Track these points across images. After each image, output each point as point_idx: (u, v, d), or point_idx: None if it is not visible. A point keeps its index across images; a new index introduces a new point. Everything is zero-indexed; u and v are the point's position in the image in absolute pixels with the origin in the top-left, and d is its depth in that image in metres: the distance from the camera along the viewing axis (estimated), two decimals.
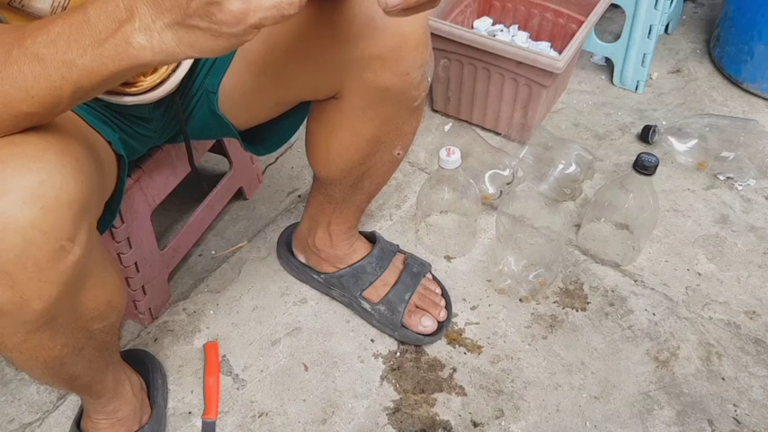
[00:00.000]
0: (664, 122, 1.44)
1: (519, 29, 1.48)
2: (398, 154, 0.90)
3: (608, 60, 1.58)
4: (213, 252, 1.20)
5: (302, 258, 1.12)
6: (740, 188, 1.30)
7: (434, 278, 1.12)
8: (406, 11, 0.49)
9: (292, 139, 1.40)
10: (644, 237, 1.15)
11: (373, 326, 1.07)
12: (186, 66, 0.78)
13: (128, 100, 0.74)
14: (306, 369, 1.03)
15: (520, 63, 1.25)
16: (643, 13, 1.41)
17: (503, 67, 1.29)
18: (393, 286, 1.05)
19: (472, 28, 1.47)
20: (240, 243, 1.21)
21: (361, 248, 1.08)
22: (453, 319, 1.08)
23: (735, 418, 0.96)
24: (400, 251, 1.12)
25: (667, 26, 1.68)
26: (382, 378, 1.02)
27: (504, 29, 1.48)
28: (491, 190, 1.23)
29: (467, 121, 1.45)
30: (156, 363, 1.01)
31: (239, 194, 1.27)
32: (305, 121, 0.91)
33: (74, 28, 0.48)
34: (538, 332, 1.07)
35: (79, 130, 0.68)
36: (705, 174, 1.33)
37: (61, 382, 0.74)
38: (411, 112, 0.84)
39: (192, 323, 1.09)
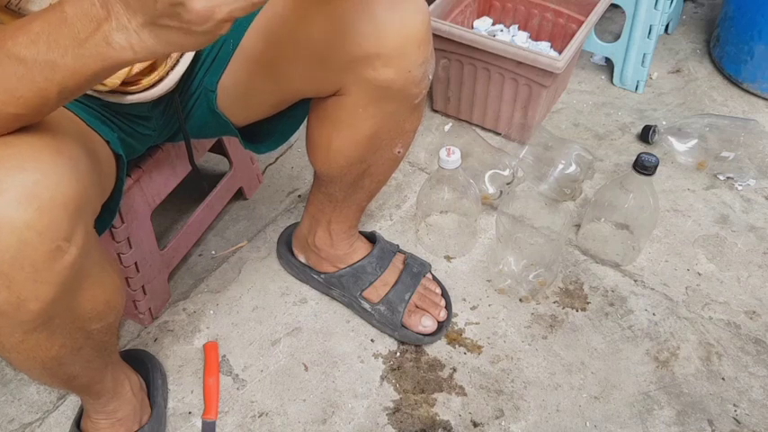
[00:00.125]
0: (664, 122, 1.44)
1: (519, 29, 1.48)
2: (399, 152, 0.90)
3: (608, 60, 1.58)
4: (213, 252, 1.20)
5: (302, 258, 1.12)
6: (740, 188, 1.30)
7: (434, 278, 1.12)
8: None
9: (292, 139, 1.40)
10: (644, 237, 1.15)
11: (373, 326, 1.07)
12: (185, 63, 0.78)
13: (128, 99, 0.74)
14: (306, 369, 1.03)
15: (520, 63, 1.25)
16: (643, 13, 1.41)
17: (503, 67, 1.29)
18: (393, 286, 1.05)
19: (472, 28, 1.47)
20: (240, 243, 1.21)
21: (362, 248, 1.08)
22: (453, 319, 1.08)
23: (735, 418, 0.96)
24: (400, 251, 1.12)
25: (667, 26, 1.68)
26: (382, 378, 1.01)
27: (504, 29, 1.48)
28: (491, 190, 1.23)
29: (467, 121, 1.45)
30: (156, 363, 1.01)
31: (239, 194, 1.27)
32: (305, 120, 0.91)
33: (53, 27, 0.48)
34: (538, 332, 1.07)
35: (76, 130, 0.67)
36: (705, 174, 1.33)
37: (60, 382, 0.74)
38: (412, 110, 0.84)
39: (192, 323, 1.09)
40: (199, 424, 0.97)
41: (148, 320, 1.08)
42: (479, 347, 1.05)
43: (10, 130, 0.53)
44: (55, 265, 0.55)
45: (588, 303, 1.11)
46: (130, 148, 0.85)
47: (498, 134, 1.42)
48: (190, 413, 0.98)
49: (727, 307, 1.10)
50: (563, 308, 1.10)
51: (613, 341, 1.06)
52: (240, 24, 0.79)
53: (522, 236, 1.10)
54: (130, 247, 0.97)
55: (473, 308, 1.10)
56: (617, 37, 1.50)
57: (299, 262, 1.12)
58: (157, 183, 0.99)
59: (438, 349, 1.05)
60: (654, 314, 1.09)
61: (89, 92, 0.72)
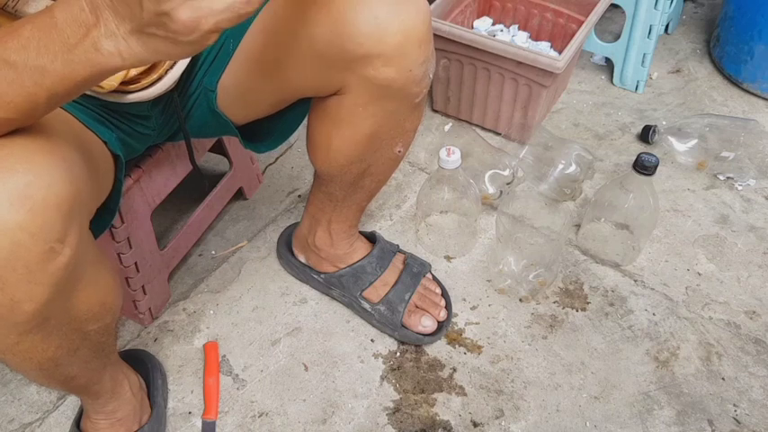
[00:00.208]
0: (664, 122, 1.44)
1: (519, 29, 1.48)
2: (399, 152, 0.90)
3: (608, 60, 1.58)
4: (213, 252, 1.20)
5: (302, 258, 1.12)
6: (740, 188, 1.30)
7: (434, 278, 1.12)
8: None
9: (292, 139, 1.40)
10: (644, 237, 1.15)
11: (373, 326, 1.07)
12: (184, 62, 0.78)
13: (127, 98, 0.74)
14: (306, 369, 1.03)
15: (520, 63, 1.25)
16: (643, 13, 1.41)
17: (503, 67, 1.29)
18: (393, 286, 1.05)
19: (472, 28, 1.47)
20: (240, 243, 1.21)
21: (362, 248, 1.08)
22: (453, 319, 1.08)
23: (735, 418, 0.96)
24: (400, 251, 1.12)
25: (667, 26, 1.68)
26: (382, 378, 1.01)
27: (504, 29, 1.48)
28: (491, 190, 1.23)
29: (467, 121, 1.45)
30: (156, 363, 1.01)
31: (239, 194, 1.27)
32: (305, 120, 0.91)
33: (43, 33, 0.48)
34: (538, 332, 1.07)
35: (71, 131, 0.67)
36: (705, 174, 1.33)
37: (57, 383, 0.74)
38: (412, 109, 0.84)
39: (192, 323, 1.09)
40: (199, 424, 0.97)
41: (148, 320, 1.08)
42: (479, 347, 1.05)
43: (1, 134, 0.53)
44: (48, 267, 0.55)
45: (588, 303, 1.11)
46: (130, 148, 0.85)
47: (498, 134, 1.42)
48: (190, 413, 0.98)
49: (727, 307, 1.10)
50: (563, 308, 1.10)
51: (613, 341, 1.06)
52: (240, 24, 0.78)
53: (522, 236, 1.10)
54: (130, 247, 0.97)
55: (473, 308, 1.10)
56: (617, 37, 1.50)
57: (299, 262, 1.12)
58: (157, 183, 0.99)
59: (438, 349, 1.05)
60: (654, 314, 1.09)
61: (87, 92, 0.72)
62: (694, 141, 1.32)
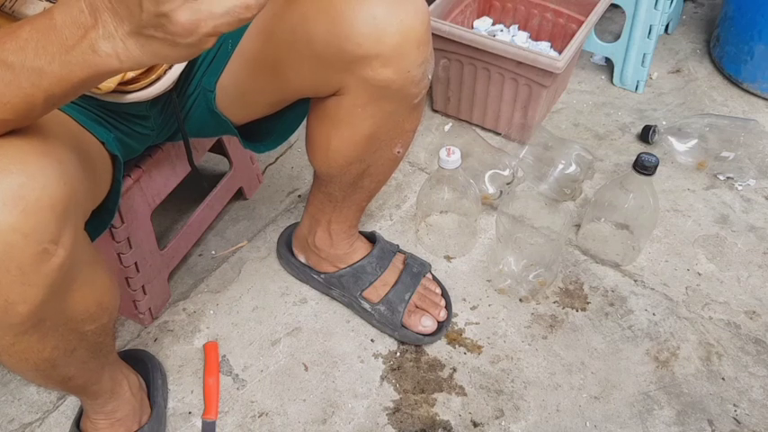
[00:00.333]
0: (664, 122, 1.44)
1: (519, 29, 1.48)
2: (398, 152, 0.90)
3: (608, 60, 1.58)
4: (213, 252, 1.20)
5: (302, 258, 1.12)
6: (740, 188, 1.30)
7: (434, 278, 1.12)
8: None
9: (292, 139, 1.40)
10: (644, 237, 1.15)
11: (373, 326, 1.07)
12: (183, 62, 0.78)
13: (126, 98, 0.74)
14: (306, 369, 1.03)
15: (520, 63, 1.25)
16: (643, 13, 1.41)
17: (503, 67, 1.29)
18: (393, 286, 1.05)
19: (472, 28, 1.47)
20: (240, 243, 1.21)
21: (362, 248, 1.08)
22: (453, 319, 1.08)
23: (735, 418, 0.96)
24: (400, 251, 1.12)
25: (667, 26, 1.68)
26: (382, 378, 1.01)
27: (504, 29, 1.48)
28: (491, 190, 1.23)
29: (467, 121, 1.45)
30: (156, 362, 1.01)
31: (239, 194, 1.27)
32: (305, 120, 0.91)
33: (41, 34, 0.48)
34: (538, 332, 1.07)
35: (67, 132, 0.67)
36: (705, 174, 1.33)
37: (54, 383, 0.74)
38: (411, 110, 0.84)
39: (192, 323, 1.09)
40: (199, 424, 0.97)
41: (148, 320, 1.08)
42: (479, 347, 1.05)
43: None
44: (42, 268, 0.55)
45: (588, 303, 1.11)
46: (129, 148, 0.85)
47: (498, 134, 1.42)
48: (190, 413, 0.98)
49: (727, 307, 1.10)
50: (563, 308, 1.10)
51: (613, 341, 1.06)
52: None
53: (522, 236, 1.10)
54: (130, 247, 0.97)
55: (473, 308, 1.10)
56: (617, 37, 1.50)
57: (299, 262, 1.12)
58: (157, 183, 0.99)
59: (438, 349, 1.05)
60: (654, 314, 1.09)
61: (87, 92, 0.72)
62: (694, 141, 1.32)
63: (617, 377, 1.01)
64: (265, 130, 0.93)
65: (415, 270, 1.08)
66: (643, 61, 1.48)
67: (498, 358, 1.04)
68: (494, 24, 1.49)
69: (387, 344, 1.06)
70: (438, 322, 1.05)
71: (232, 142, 1.17)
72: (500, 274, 1.11)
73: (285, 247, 1.15)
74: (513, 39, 1.44)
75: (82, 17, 0.46)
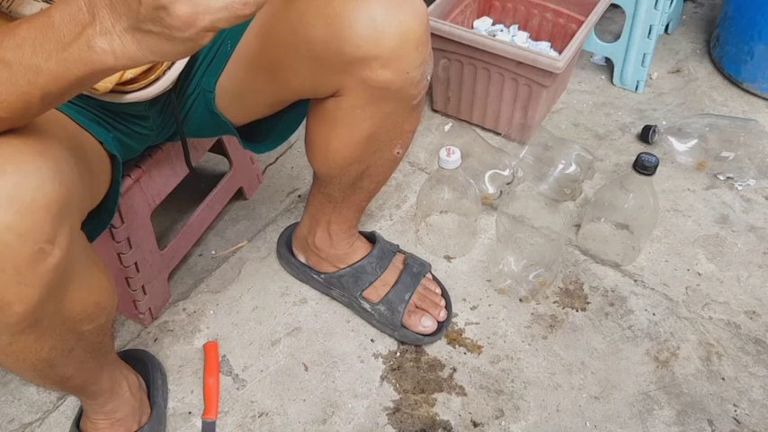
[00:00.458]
0: (664, 122, 1.44)
1: (519, 29, 1.48)
2: (398, 153, 0.90)
3: (608, 60, 1.58)
4: (213, 252, 1.20)
5: (302, 258, 1.12)
6: (740, 188, 1.30)
7: (434, 278, 1.12)
8: None
9: (292, 139, 1.40)
10: (644, 237, 1.15)
11: (373, 326, 1.07)
12: (182, 61, 0.78)
13: (125, 98, 0.74)
14: (306, 369, 1.03)
15: (520, 63, 1.25)
16: (643, 13, 1.41)
17: (503, 67, 1.29)
18: (393, 286, 1.05)
19: (472, 28, 1.47)
20: (240, 243, 1.21)
21: (361, 248, 1.08)
22: (453, 319, 1.08)
23: (735, 418, 0.96)
24: (400, 251, 1.12)
25: (667, 26, 1.68)
26: (382, 378, 1.02)
27: (504, 29, 1.48)
28: (491, 190, 1.23)
29: (467, 121, 1.45)
30: (156, 362, 1.01)
31: (239, 194, 1.27)
32: (305, 120, 0.91)
33: (39, 32, 0.48)
34: (538, 332, 1.07)
35: (64, 131, 0.67)
36: (705, 174, 1.33)
37: (53, 383, 0.74)
38: (410, 111, 0.84)
39: (192, 323, 1.09)
40: (199, 424, 0.97)
41: (148, 320, 1.08)
42: (479, 347, 1.05)
43: None
44: (38, 268, 0.55)
45: (588, 303, 1.11)
46: (128, 149, 0.85)
47: (498, 134, 1.42)
48: (190, 413, 0.98)
49: (727, 307, 1.10)
50: (563, 308, 1.10)
51: (613, 341, 1.06)
52: (238, 25, 0.78)
53: (522, 236, 1.10)
54: (130, 247, 0.97)
55: (473, 308, 1.10)
56: (617, 37, 1.50)
57: (299, 262, 1.12)
58: (157, 183, 0.99)
59: (438, 349, 1.05)
60: (654, 314, 1.09)
61: (85, 92, 0.72)
62: (694, 141, 1.32)
63: (617, 377, 1.01)
64: (265, 131, 0.93)
65: (415, 270, 1.08)
66: (643, 61, 1.48)
67: (498, 358, 1.04)
68: (494, 24, 1.49)
69: (387, 344, 1.06)
70: (438, 322, 1.05)
71: (232, 142, 1.17)
72: (500, 274, 1.11)
73: (285, 247, 1.15)
74: (513, 39, 1.44)
75: (80, 14, 0.46)
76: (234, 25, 0.45)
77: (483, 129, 1.43)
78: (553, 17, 1.44)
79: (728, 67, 1.55)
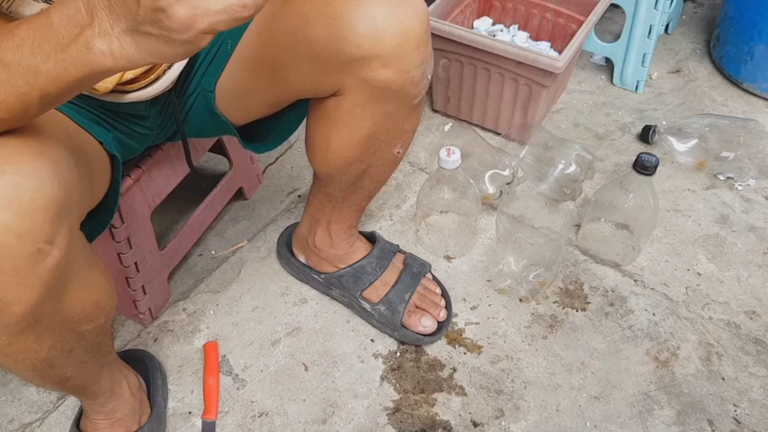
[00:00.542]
0: (664, 122, 1.44)
1: (519, 29, 1.48)
2: (398, 152, 0.90)
3: (608, 60, 1.58)
4: (213, 252, 1.20)
5: (302, 258, 1.12)
6: (740, 188, 1.30)
7: (434, 278, 1.12)
8: None
9: (292, 139, 1.40)
10: (644, 237, 1.15)
11: (373, 326, 1.07)
12: (182, 62, 0.78)
13: (126, 98, 0.74)
14: (306, 369, 1.03)
15: (520, 63, 1.25)
16: (643, 13, 1.41)
17: (503, 67, 1.29)
18: (393, 286, 1.05)
19: (472, 28, 1.47)
20: (240, 243, 1.21)
21: (361, 248, 1.08)
22: (453, 319, 1.08)
23: (735, 418, 0.96)
24: (400, 251, 1.12)
25: (667, 26, 1.68)
26: (382, 378, 1.02)
27: (504, 29, 1.48)
28: (491, 190, 1.23)
29: (467, 121, 1.45)
30: (156, 362, 1.01)
31: (239, 194, 1.27)
32: (305, 120, 0.91)
33: (38, 33, 0.48)
34: (538, 332, 1.07)
35: (64, 132, 0.67)
36: (705, 174, 1.33)
37: (53, 383, 0.74)
38: (411, 110, 0.84)
39: (192, 323, 1.09)
40: (199, 424, 0.97)
41: (148, 320, 1.08)
42: (479, 347, 1.05)
43: None
44: (37, 268, 0.55)
45: (588, 303, 1.11)
46: (128, 148, 0.85)
47: (498, 134, 1.42)
48: (190, 413, 0.98)
49: (727, 307, 1.10)
50: (563, 308, 1.10)
51: (613, 341, 1.06)
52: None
53: (522, 236, 1.10)
54: (130, 247, 0.97)
55: (473, 308, 1.10)
56: (617, 37, 1.50)
57: (299, 262, 1.12)
58: (157, 183, 0.99)
59: (438, 349, 1.05)
60: (654, 314, 1.09)
61: (85, 92, 0.72)
62: (694, 141, 1.32)
63: (617, 377, 1.01)
64: (265, 131, 0.93)
65: (415, 270, 1.08)
66: (643, 61, 1.48)
67: (498, 358, 1.04)
68: (494, 24, 1.49)
69: (387, 344, 1.06)
70: (438, 322, 1.05)
71: (232, 142, 1.17)
72: (500, 274, 1.11)
73: (285, 247, 1.15)
74: (513, 39, 1.44)
75: (78, 16, 0.46)
76: (232, 28, 0.45)
77: (483, 129, 1.43)
78: (553, 17, 1.44)
79: (728, 67, 1.55)
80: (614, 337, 1.06)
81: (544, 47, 1.44)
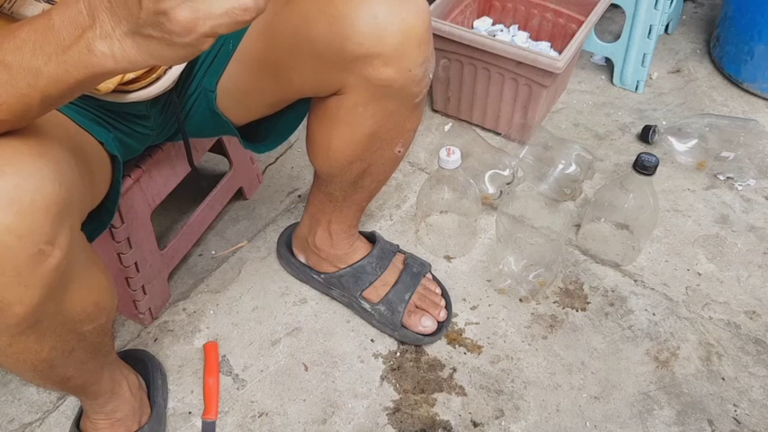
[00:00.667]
0: (664, 122, 1.44)
1: (519, 29, 1.48)
2: (399, 151, 0.90)
3: (608, 60, 1.58)
4: (213, 252, 1.20)
5: (302, 258, 1.12)
6: (740, 188, 1.30)
7: (434, 278, 1.12)
8: None
9: (292, 139, 1.40)
10: (644, 237, 1.15)
11: (373, 326, 1.07)
12: None
13: (127, 98, 0.74)
14: (306, 369, 1.03)
15: (520, 63, 1.25)
16: (643, 13, 1.41)
17: (503, 67, 1.29)
18: (393, 286, 1.05)
19: (472, 28, 1.47)
20: (240, 243, 1.21)
21: (362, 248, 1.08)
22: (453, 319, 1.08)
23: (735, 418, 0.96)
24: (400, 251, 1.12)
25: (667, 26, 1.68)
26: (382, 378, 1.01)
27: (504, 29, 1.48)
28: (491, 190, 1.23)
29: (467, 121, 1.45)
30: (156, 363, 1.01)
31: (239, 194, 1.27)
32: (305, 119, 0.91)
33: (39, 34, 0.48)
34: (538, 332, 1.07)
35: (64, 132, 0.67)
36: (705, 174, 1.33)
37: (53, 383, 0.74)
38: (412, 109, 0.84)
39: (192, 323, 1.09)
40: (199, 424, 0.97)
41: (148, 320, 1.08)
42: (479, 347, 1.05)
43: None
44: (38, 269, 0.55)
45: (588, 303, 1.11)
46: (129, 148, 0.85)
47: (498, 134, 1.42)
48: (190, 413, 0.98)
49: (727, 307, 1.10)
50: (563, 308, 1.10)
51: (613, 341, 1.06)
52: None
53: (522, 236, 1.10)
54: (130, 247, 0.97)
55: (473, 308, 1.10)
56: (617, 37, 1.50)
57: (299, 262, 1.12)
58: (157, 183, 0.99)
59: (438, 349, 1.05)
60: (654, 314, 1.09)
61: (87, 93, 0.72)
62: (694, 141, 1.32)
63: (617, 377, 1.01)
64: (265, 130, 0.93)
65: (415, 270, 1.08)
66: (643, 61, 1.48)
67: (498, 358, 1.04)
68: (494, 24, 1.49)
69: (387, 344, 1.06)
70: (438, 322, 1.05)
71: (232, 142, 1.17)
72: (500, 274, 1.11)
73: (285, 247, 1.15)
74: (513, 39, 1.44)
75: (80, 18, 0.46)
76: (234, 31, 0.45)
77: (483, 129, 1.43)
78: (553, 17, 1.44)
79: (728, 67, 1.55)
80: (614, 337, 1.06)
81: (544, 47, 1.44)
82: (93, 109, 0.77)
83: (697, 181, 1.32)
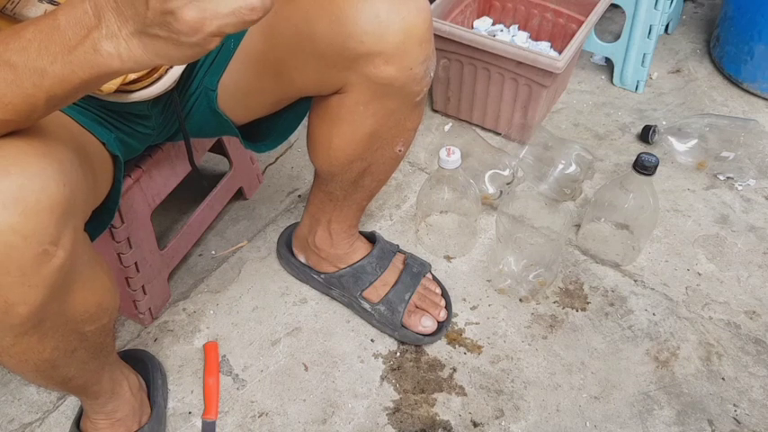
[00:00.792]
0: (664, 122, 1.44)
1: (519, 29, 1.48)
2: (400, 151, 0.90)
3: (608, 60, 1.58)
4: (213, 252, 1.20)
5: (302, 258, 1.12)
6: (740, 188, 1.30)
7: (434, 278, 1.12)
8: None
9: (292, 139, 1.40)
10: (644, 237, 1.15)
11: (373, 326, 1.07)
12: None
13: (129, 97, 0.74)
14: (306, 369, 1.03)
15: (520, 63, 1.25)
16: (643, 13, 1.41)
17: (503, 67, 1.29)
18: (393, 286, 1.05)
19: (472, 28, 1.47)
20: (240, 243, 1.21)
21: (362, 248, 1.08)
22: (453, 319, 1.08)
23: (735, 418, 0.96)
24: (400, 251, 1.12)
25: (667, 26, 1.68)
26: (382, 378, 1.01)
27: (504, 29, 1.48)
28: (491, 190, 1.23)
29: (467, 121, 1.45)
30: (156, 363, 1.01)
31: (239, 194, 1.27)
32: (305, 119, 0.91)
33: (44, 35, 0.48)
34: (538, 332, 1.07)
35: (68, 133, 0.67)
36: (705, 174, 1.33)
37: (54, 384, 0.74)
38: (413, 108, 0.84)
39: (192, 323, 1.09)
40: (199, 424, 0.97)
41: (148, 320, 1.08)
42: (479, 347, 1.05)
43: None
44: (42, 269, 0.55)
45: (588, 303, 1.11)
46: (129, 148, 0.85)
47: (498, 134, 1.42)
48: (190, 413, 0.98)
49: (727, 307, 1.10)
50: (563, 308, 1.10)
51: (613, 341, 1.06)
52: None
53: (522, 236, 1.10)
54: (130, 247, 0.97)
55: (473, 308, 1.10)
56: (617, 37, 1.50)
57: (299, 262, 1.12)
58: (157, 183, 0.99)
59: (438, 349, 1.05)
60: (654, 314, 1.09)
61: (90, 93, 0.72)
62: (694, 141, 1.32)
63: (617, 377, 1.01)
64: (265, 130, 0.93)
65: (415, 270, 1.08)
66: (643, 61, 1.48)
67: (498, 358, 1.04)
68: (494, 24, 1.49)
69: (387, 344, 1.06)
70: (438, 322, 1.05)
71: (232, 142, 1.17)
72: (500, 274, 1.11)
73: (285, 247, 1.15)
74: (513, 39, 1.44)
75: (86, 18, 0.46)
76: (241, 30, 0.45)
77: (483, 129, 1.43)
78: (553, 17, 1.44)
79: (728, 67, 1.55)
80: (614, 337, 1.06)
81: (544, 47, 1.44)
82: (95, 109, 0.77)
83: (697, 181, 1.32)
